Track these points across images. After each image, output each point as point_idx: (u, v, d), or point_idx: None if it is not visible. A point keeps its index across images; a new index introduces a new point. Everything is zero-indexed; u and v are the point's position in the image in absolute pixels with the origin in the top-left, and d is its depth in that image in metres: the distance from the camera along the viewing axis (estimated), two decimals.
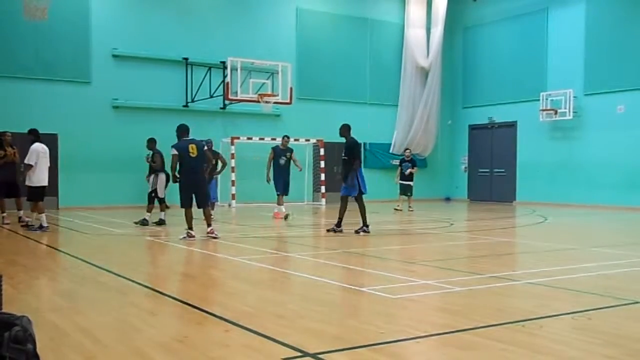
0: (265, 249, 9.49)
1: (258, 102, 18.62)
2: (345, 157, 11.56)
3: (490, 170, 24.26)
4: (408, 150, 19.28)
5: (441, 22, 24.03)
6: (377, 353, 3.97)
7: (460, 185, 25.46)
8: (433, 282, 6.49)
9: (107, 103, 19.12)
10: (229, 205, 19.52)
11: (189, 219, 10.32)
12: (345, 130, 11.70)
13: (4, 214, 13.33)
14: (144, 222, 13.05)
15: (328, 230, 11.73)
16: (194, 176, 10.31)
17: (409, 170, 18.31)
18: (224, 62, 19.29)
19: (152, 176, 13.43)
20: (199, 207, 10.52)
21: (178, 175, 10.29)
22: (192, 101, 20.04)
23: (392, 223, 14.50)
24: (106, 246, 10.08)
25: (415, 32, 24.24)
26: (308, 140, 21.50)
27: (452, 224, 14.19)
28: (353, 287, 6.19)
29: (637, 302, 5.55)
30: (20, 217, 13.71)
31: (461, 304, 5.52)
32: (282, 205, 14.94)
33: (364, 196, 11.76)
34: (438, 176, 25.51)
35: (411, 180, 18.34)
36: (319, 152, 21.74)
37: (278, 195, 14.91)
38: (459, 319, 4.88)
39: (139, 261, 8.78)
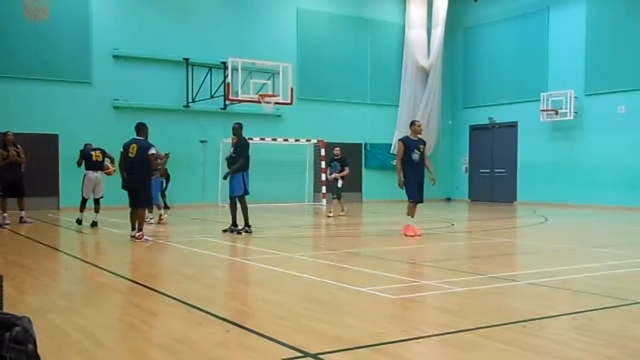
0: (265, 249, 9.48)
1: (259, 102, 18.62)
2: (234, 155, 11.40)
3: (491, 170, 24.25)
4: (337, 149, 16.70)
5: (442, 22, 24.03)
6: (378, 353, 3.96)
7: (461, 186, 25.45)
8: (434, 283, 6.48)
9: (107, 103, 19.13)
10: None
11: (133, 219, 10.43)
12: (240, 129, 11.57)
13: (5, 214, 13.33)
14: (93, 224, 12.94)
15: (238, 233, 11.41)
16: (130, 177, 10.35)
17: (333, 175, 16.21)
18: (224, 63, 19.29)
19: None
20: (137, 207, 10.48)
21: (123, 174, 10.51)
22: (193, 101, 20.05)
23: (392, 224, 14.48)
24: (106, 246, 10.08)
25: (415, 33, 24.24)
26: (309, 140, 21.50)
27: (452, 225, 14.19)
28: (353, 287, 6.18)
29: (637, 303, 5.54)
30: (21, 217, 13.72)
31: (462, 304, 5.51)
32: (414, 216, 11.24)
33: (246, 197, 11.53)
34: (438, 176, 25.08)
35: (341, 179, 16.16)
36: (320, 152, 21.72)
37: (410, 202, 11.07)
38: (459, 320, 4.88)
39: (139, 261, 8.77)
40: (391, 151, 23.98)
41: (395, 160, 11.26)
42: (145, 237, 10.24)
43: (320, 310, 5.23)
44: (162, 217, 13.79)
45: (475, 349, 4.10)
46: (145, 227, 12.84)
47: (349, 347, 4.08)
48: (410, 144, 10.96)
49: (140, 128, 10.55)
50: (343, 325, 4.72)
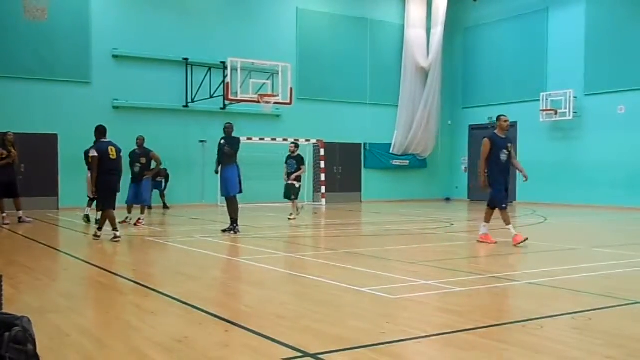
0: (265, 249, 9.48)
1: (258, 102, 18.61)
2: (229, 147, 11.51)
3: None
4: (293, 145, 15.22)
5: (441, 22, 24.04)
6: (378, 353, 3.97)
7: (461, 186, 25.44)
8: (433, 283, 6.48)
9: (107, 103, 19.12)
10: None
11: (112, 220, 10.35)
12: (233, 129, 11.81)
13: (4, 214, 13.33)
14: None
15: (224, 231, 11.63)
16: (113, 178, 10.39)
17: (292, 177, 14.77)
18: (224, 63, 19.29)
19: None
20: (113, 208, 10.44)
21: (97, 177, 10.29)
22: (192, 101, 20.05)
23: (392, 223, 14.49)
24: (106, 246, 10.08)
25: (415, 33, 24.25)
26: (308, 140, 21.51)
27: (452, 224, 14.18)
28: (353, 287, 6.18)
29: (637, 302, 5.55)
30: (20, 217, 13.72)
31: (461, 304, 5.52)
32: (512, 224, 10.21)
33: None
34: (438, 176, 25.52)
35: (298, 180, 14.92)
36: (319, 152, 21.74)
37: (503, 209, 10.16)
38: (459, 319, 4.88)
39: (139, 261, 8.77)
40: (391, 151, 24.03)
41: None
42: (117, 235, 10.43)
43: (320, 311, 5.24)
44: (140, 220, 13.27)
45: (475, 348, 4.10)
46: (145, 227, 12.91)
47: (349, 347, 4.08)
48: (498, 143, 9.82)
49: (105, 130, 10.46)
50: (343, 325, 4.72)
